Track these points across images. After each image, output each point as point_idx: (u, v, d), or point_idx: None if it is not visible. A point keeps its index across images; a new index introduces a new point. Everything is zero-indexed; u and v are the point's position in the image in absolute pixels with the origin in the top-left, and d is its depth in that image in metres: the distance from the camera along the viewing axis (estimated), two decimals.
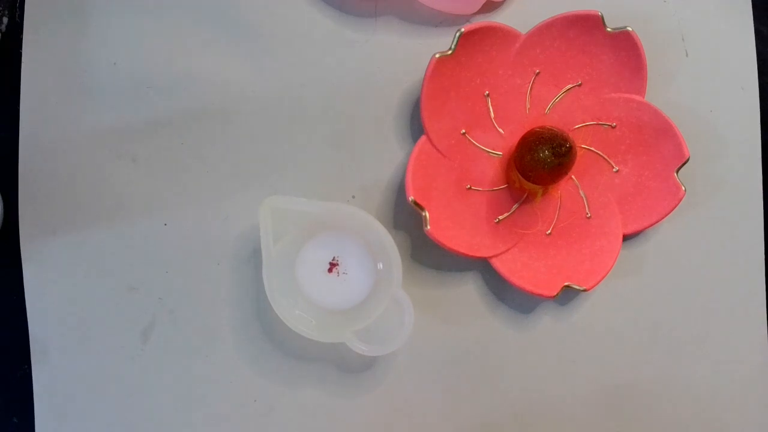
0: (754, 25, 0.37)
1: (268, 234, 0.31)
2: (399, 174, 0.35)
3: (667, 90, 0.36)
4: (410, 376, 0.35)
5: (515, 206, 0.35)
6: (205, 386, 0.35)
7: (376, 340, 0.32)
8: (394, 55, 0.35)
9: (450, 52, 0.32)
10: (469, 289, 0.35)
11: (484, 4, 0.35)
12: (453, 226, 0.33)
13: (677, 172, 0.33)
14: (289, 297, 0.33)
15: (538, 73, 0.34)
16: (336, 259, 0.33)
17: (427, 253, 0.35)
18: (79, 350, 0.34)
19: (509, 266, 0.34)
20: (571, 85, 0.34)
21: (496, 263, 0.34)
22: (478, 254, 0.33)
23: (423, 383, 0.35)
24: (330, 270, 0.33)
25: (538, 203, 0.35)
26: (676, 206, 0.34)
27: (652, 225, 0.34)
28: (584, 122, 0.35)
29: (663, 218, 0.34)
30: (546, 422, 0.36)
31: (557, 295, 0.33)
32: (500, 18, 0.36)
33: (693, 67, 0.36)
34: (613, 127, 0.35)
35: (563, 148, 0.32)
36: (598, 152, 0.35)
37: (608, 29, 0.33)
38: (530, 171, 0.33)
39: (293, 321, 0.32)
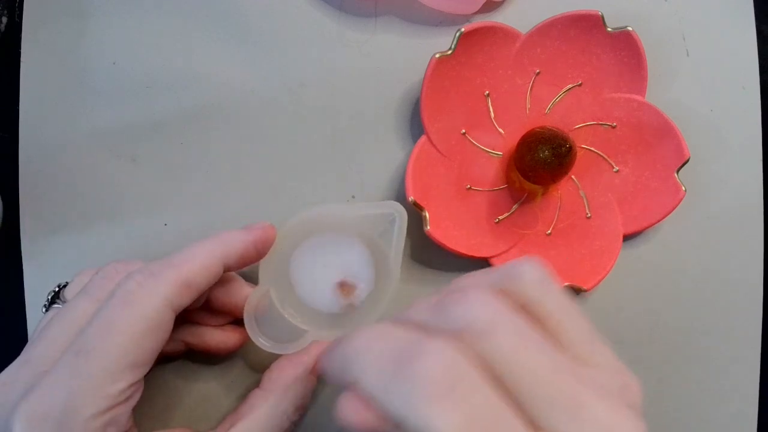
0: (756, 25, 0.37)
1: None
2: (399, 174, 0.35)
3: (667, 90, 0.36)
4: None
5: (515, 206, 0.35)
6: (204, 386, 0.35)
7: None
8: (394, 55, 0.35)
9: (450, 52, 0.32)
10: None
11: (484, 4, 0.35)
12: (453, 226, 0.33)
13: (677, 172, 0.33)
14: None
15: (539, 72, 0.34)
16: (347, 279, 0.32)
17: (427, 253, 0.35)
18: None
19: None
20: (571, 85, 0.34)
21: (497, 263, 0.34)
22: (478, 254, 0.33)
23: None
24: (342, 290, 0.32)
25: (538, 203, 0.35)
26: (676, 206, 0.33)
27: (652, 225, 0.34)
28: (584, 122, 0.35)
29: (663, 218, 0.34)
30: None
31: None
32: (500, 18, 0.36)
33: (693, 66, 0.36)
34: (614, 127, 0.34)
35: (563, 148, 0.32)
36: (599, 152, 0.35)
37: (608, 29, 0.33)
38: (530, 171, 0.33)
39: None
